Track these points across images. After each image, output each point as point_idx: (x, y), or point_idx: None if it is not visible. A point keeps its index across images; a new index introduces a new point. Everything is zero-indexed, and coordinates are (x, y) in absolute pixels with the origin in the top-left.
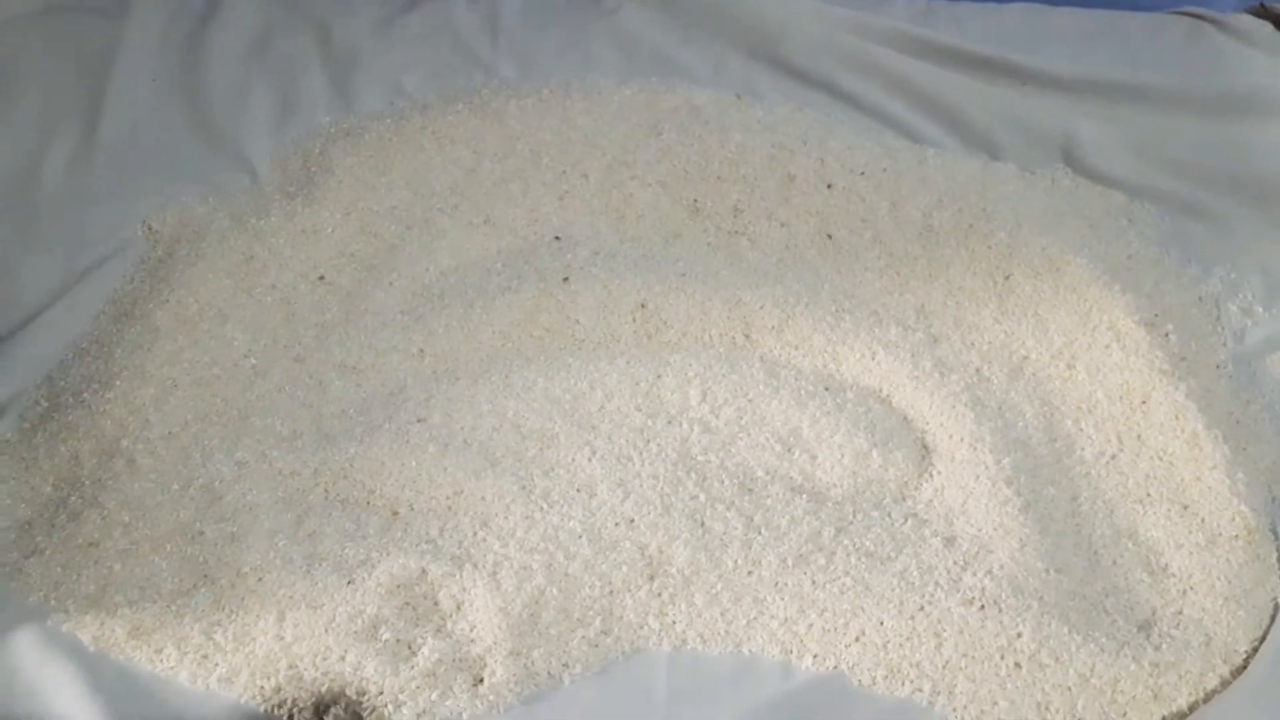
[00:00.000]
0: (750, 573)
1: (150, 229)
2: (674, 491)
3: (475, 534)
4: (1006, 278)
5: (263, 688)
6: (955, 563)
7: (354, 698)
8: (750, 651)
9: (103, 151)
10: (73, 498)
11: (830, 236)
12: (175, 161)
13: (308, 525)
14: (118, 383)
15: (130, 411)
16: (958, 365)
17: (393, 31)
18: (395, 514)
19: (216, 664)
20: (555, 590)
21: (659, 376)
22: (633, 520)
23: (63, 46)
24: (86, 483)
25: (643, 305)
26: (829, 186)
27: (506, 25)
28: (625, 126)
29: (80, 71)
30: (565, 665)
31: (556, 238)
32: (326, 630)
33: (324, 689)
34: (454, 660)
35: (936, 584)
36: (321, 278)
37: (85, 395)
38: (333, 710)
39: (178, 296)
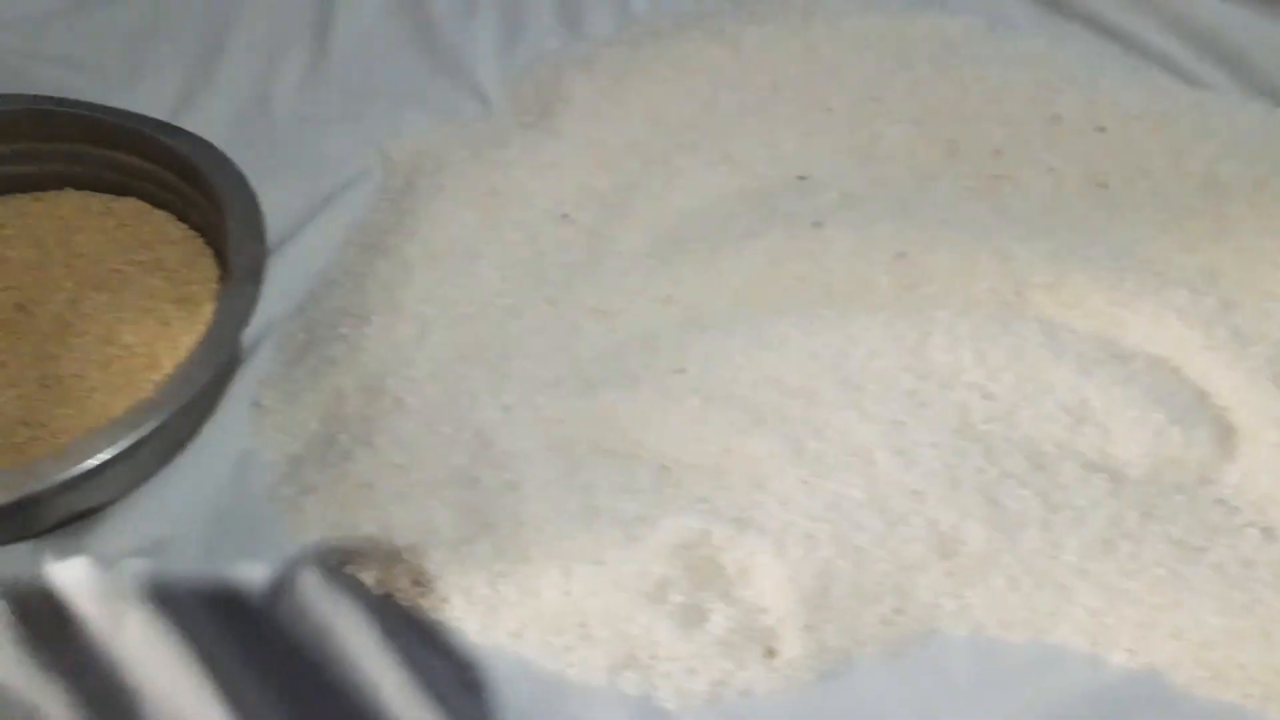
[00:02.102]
0: (1052, 557)
1: (386, 156)
2: (959, 464)
3: (751, 496)
4: None
5: (552, 644)
6: (1279, 558)
7: (647, 662)
8: (1055, 641)
9: (332, 74)
10: (341, 435)
11: (1104, 186)
12: (404, 85)
13: (581, 476)
14: (374, 318)
15: (391, 349)
16: (1256, 336)
17: None
18: (665, 469)
19: (504, 617)
20: (845, 563)
21: (926, 335)
22: (919, 493)
23: None
24: (354, 420)
25: (901, 255)
26: (1100, 130)
27: None
28: (872, 58)
29: None
30: (859, 643)
31: (800, 178)
32: (614, 588)
33: (617, 650)
34: (745, 630)
35: (1260, 580)
36: (565, 215)
37: (343, 329)
38: (625, 673)
39: (425, 230)
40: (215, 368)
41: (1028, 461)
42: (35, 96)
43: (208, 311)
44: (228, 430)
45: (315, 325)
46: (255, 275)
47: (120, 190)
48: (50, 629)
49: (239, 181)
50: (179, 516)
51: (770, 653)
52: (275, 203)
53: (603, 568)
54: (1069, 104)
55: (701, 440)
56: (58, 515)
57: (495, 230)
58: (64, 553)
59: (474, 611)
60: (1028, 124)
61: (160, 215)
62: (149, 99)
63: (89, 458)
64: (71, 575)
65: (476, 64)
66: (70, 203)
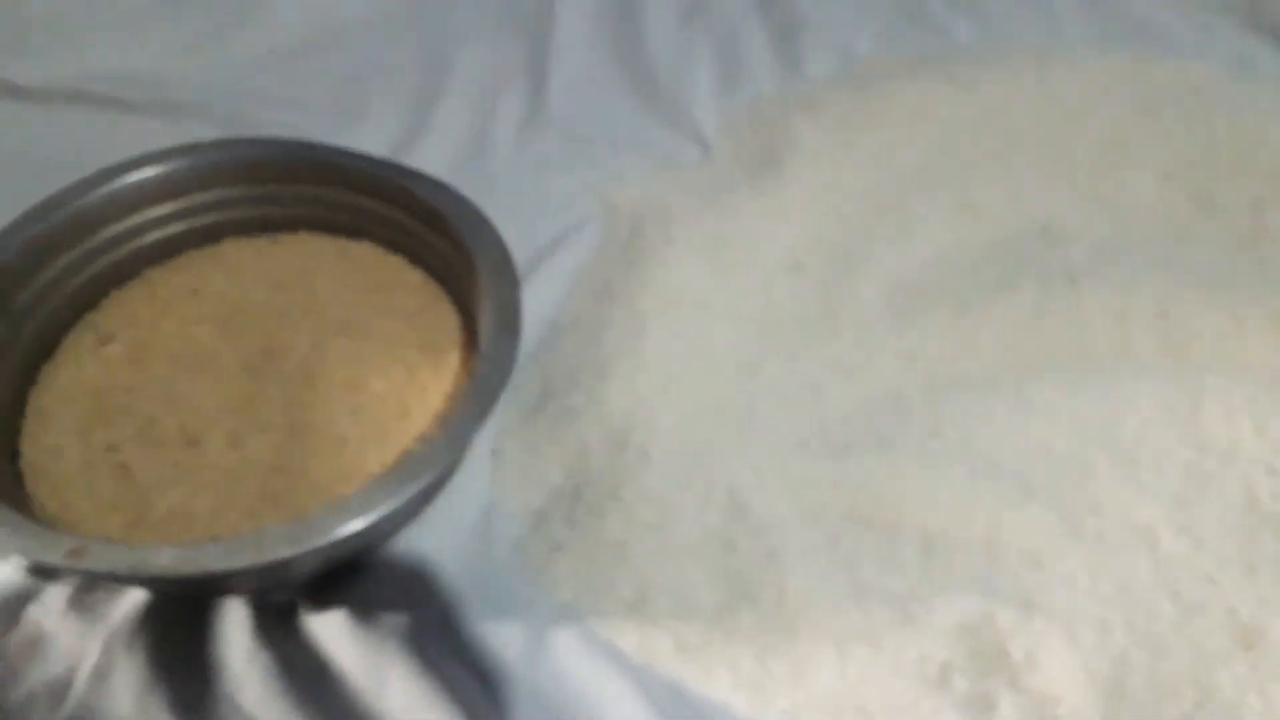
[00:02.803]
0: None
1: (609, 202)
2: (1252, 546)
3: (1031, 576)
4: None
5: None
6: None
7: None
8: None
9: (549, 116)
10: (588, 489)
11: None
12: (622, 127)
13: (841, 547)
14: (615, 368)
15: (635, 401)
16: None
17: None
18: (929, 542)
19: (774, 696)
20: (1142, 653)
21: (1199, 403)
22: (1213, 577)
23: (497, 4)
24: (600, 474)
25: (1163, 314)
26: None
27: None
28: (1114, 103)
29: (519, 31)
30: None
31: (1046, 229)
32: (894, 673)
33: None
34: None
35: None
36: (796, 265)
37: (582, 379)
38: None
39: (658, 280)
40: (479, 421)
41: None
42: (274, 141)
43: (453, 360)
44: (471, 481)
45: (551, 374)
46: (513, 325)
47: (353, 233)
48: (314, 682)
49: (484, 226)
50: (429, 569)
51: None
52: None
53: (879, 651)
54: None
55: (969, 512)
56: (315, 565)
57: (728, 281)
58: (319, 605)
59: (742, 688)
60: None
61: (395, 259)
62: (368, 140)
63: (368, 512)
64: (331, 627)
65: (694, 106)
66: (307, 246)
